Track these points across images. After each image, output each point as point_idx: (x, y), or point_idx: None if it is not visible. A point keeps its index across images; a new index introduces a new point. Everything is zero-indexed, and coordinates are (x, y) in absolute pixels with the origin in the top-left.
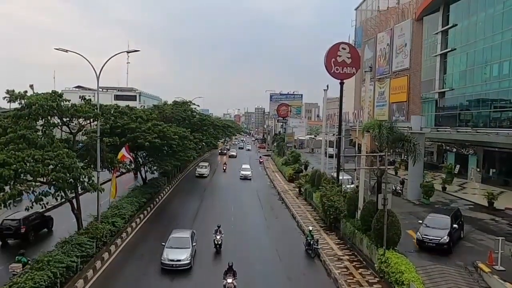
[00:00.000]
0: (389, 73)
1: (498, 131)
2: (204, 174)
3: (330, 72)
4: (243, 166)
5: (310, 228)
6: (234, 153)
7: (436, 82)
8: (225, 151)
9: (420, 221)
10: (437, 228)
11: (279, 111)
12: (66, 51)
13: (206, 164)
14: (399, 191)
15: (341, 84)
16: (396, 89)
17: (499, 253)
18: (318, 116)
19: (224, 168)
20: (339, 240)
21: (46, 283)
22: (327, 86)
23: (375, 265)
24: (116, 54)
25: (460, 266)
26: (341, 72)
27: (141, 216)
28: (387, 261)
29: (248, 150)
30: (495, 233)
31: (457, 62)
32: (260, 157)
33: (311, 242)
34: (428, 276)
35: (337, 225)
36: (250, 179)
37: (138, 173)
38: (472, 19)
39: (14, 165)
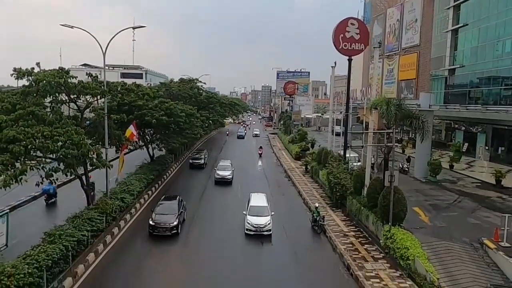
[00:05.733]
0: (398, 50)
1: (508, 109)
2: None
3: (338, 48)
4: (253, 202)
5: (317, 205)
6: (227, 174)
7: (446, 59)
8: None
9: None
10: None
11: (286, 88)
12: (72, 27)
13: None
14: (406, 169)
15: (349, 60)
16: (405, 66)
17: (505, 229)
18: (325, 94)
19: None
20: (345, 217)
21: (58, 255)
22: (335, 63)
23: (381, 241)
24: (122, 30)
25: (466, 242)
26: (350, 48)
27: (149, 192)
28: (392, 237)
29: (256, 136)
30: (502, 210)
31: (469, 38)
32: (260, 147)
33: (317, 219)
34: (434, 252)
35: (343, 202)
36: (269, 233)
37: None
38: None
39: (24, 142)
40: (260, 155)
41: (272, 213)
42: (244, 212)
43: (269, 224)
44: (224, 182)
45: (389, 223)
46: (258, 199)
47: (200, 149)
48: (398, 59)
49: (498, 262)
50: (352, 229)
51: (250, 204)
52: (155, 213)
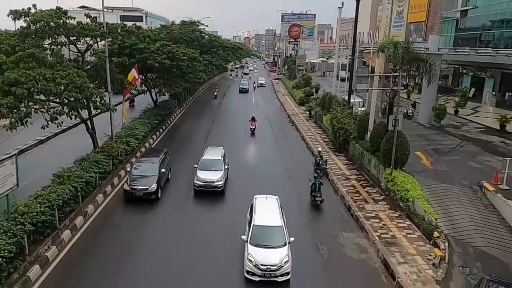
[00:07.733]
0: None
1: None
2: None
3: None
4: (258, 218)
5: (319, 149)
6: (216, 178)
7: None
8: None
9: None
10: None
11: (291, 32)
12: None
13: None
14: (411, 114)
15: (357, 1)
16: (415, 7)
17: (505, 173)
18: (331, 38)
19: None
20: (347, 161)
21: (68, 196)
22: (342, 3)
23: (382, 184)
24: None
25: (465, 185)
26: None
27: (154, 137)
28: (393, 179)
29: (261, 86)
30: (504, 155)
31: None
32: (252, 118)
33: (320, 162)
34: (433, 194)
35: (346, 146)
36: (286, 278)
37: (149, 94)
38: None
39: (26, 84)
40: (253, 131)
41: (292, 239)
42: (243, 236)
43: (286, 262)
44: (209, 192)
45: (391, 166)
46: (267, 211)
47: (154, 150)
48: (408, 0)
49: (496, 203)
50: (354, 173)
51: (253, 223)
52: None
